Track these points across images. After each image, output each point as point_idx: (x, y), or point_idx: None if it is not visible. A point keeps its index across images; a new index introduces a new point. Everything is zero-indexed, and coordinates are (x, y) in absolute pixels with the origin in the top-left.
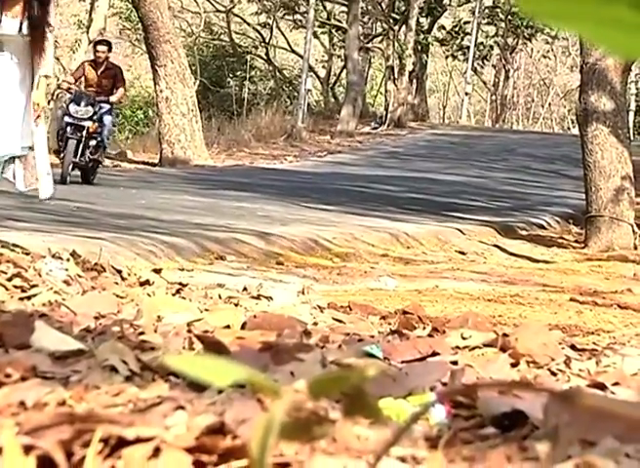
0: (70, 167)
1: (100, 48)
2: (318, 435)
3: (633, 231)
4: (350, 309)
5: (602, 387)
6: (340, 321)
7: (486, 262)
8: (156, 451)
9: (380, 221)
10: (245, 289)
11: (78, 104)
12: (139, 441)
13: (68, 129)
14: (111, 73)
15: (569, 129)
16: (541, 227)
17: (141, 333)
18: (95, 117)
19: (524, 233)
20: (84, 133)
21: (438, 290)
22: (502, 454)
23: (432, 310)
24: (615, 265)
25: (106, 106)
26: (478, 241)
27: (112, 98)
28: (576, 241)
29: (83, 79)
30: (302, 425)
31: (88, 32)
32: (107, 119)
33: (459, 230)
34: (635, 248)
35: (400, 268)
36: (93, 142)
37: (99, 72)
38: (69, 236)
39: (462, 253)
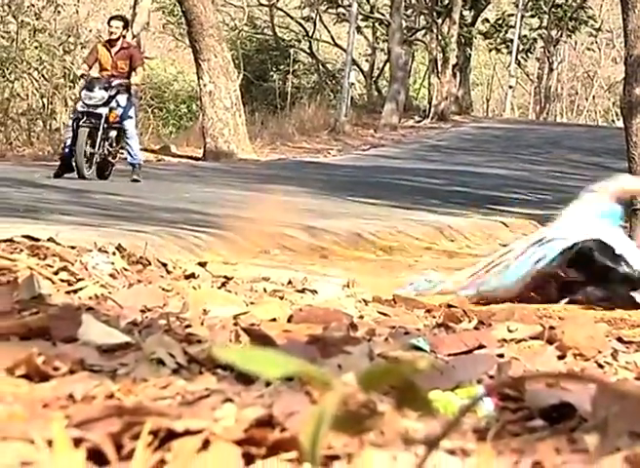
0: (83, 159)
1: (114, 23)
2: (368, 427)
3: None
4: (395, 302)
5: None
6: (385, 314)
7: None
8: (205, 444)
9: (423, 215)
10: (290, 282)
11: (91, 90)
12: (187, 433)
13: (82, 117)
14: (127, 53)
15: (613, 121)
16: None
17: (188, 326)
18: (112, 103)
19: None
20: (101, 121)
21: None
22: (551, 446)
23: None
24: None
25: (125, 93)
26: (522, 233)
27: (133, 80)
28: None
29: (98, 64)
30: (353, 418)
31: (131, 27)
32: (129, 107)
33: (502, 223)
34: None
35: (444, 261)
36: (113, 133)
37: (113, 53)
38: (115, 230)
39: (506, 246)
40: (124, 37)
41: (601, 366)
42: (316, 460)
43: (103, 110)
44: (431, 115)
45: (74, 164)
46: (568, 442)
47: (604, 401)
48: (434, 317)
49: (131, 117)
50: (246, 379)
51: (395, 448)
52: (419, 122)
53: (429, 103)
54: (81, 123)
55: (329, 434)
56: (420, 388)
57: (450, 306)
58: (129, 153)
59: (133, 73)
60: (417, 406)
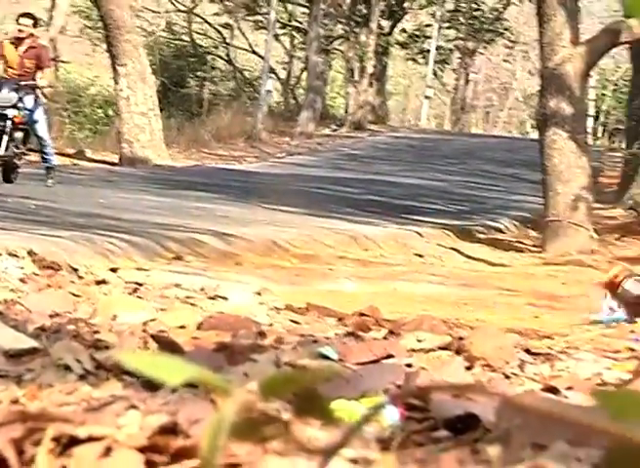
0: None
1: (23, 21)
2: (269, 435)
3: (591, 236)
4: (307, 311)
5: (555, 391)
6: (296, 322)
7: (444, 265)
8: (108, 451)
9: (338, 223)
10: (202, 289)
11: None
12: (90, 440)
13: None
14: (34, 53)
15: (528, 133)
16: (499, 231)
17: (96, 332)
18: (20, 105)
19: (482, 236)
20: (7, 122)
21: (396, 292)
22: (454, 457)
23: (390, 313)
24: (572, 270)
25: (32, 94)
26: (436, 244)
27: (40, 81)
28: (534, 245)
29: (3, 61)
30: (253, 425)
31: (48, 31)
32: (36, 108)
33: (417, 233)
34: (592, 253)
35: (358, 270)
36: (19, 134)
37: (20, 51)
38: (27, 234)
39: (421, 256)
40: (32, 36)
41: (508, 377)
42: (214, 464)
43: (11, 112)
44: (348, 124)
45: None
46: (471, 453)
47: (507, 412)
48: (346, 326)
49: (40, 119)
50: (152, 386)
51: (297, 456)
52: (335, 130)
53: (346, 112)
54: None
55: (229, 442)
56: (321, 396)
57: (362, 315)
58: (43, 157)
59: (40, 74)
60: (317, 414)
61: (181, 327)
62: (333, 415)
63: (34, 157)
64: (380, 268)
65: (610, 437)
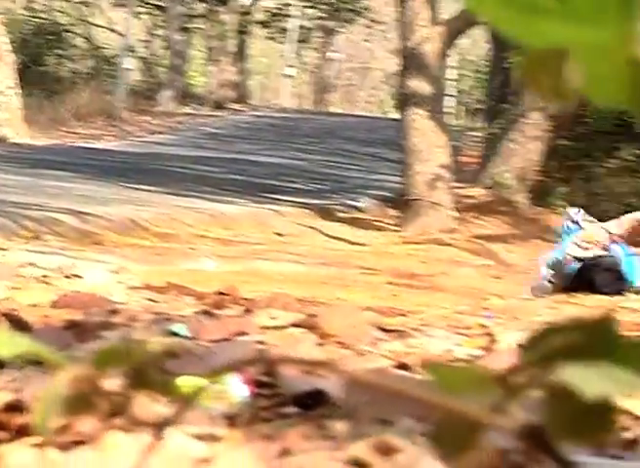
0: None
1: None
2: (108, 410)
3: (450, 215)
4: (167, 290)
5: (406, 368)
6: (154, 301)
7: (304, 244)
8: None
9: (199, 202)
10: (58, 268)
11: None
12: None
13: None
14: None
15: (389, 112)
16: (360, 210)
17: None
18: None
19: (342, 216)
20: None
21: (256, 271)
22: (300, 433)
23: (249, 292)
24: (431, 249)
25: None
26: (297, 223)
27: None
28: (394, 224)
29: None
30: (86, 399)
31: None
32: None
33: (277, 212)
34: (452, 231)
35: (219, 249)
36: None
37: None
38: None
39: (281, 235)
40: None
41: (361, 354)
42: (48, 440)
43: None
44: (209, 103)
45: None
46: (317, 428)
47: (354, 389)
48: (205, 304)
49: None
50: None
51: (141, 431)
52: (196, 109)
53: (207, 91)
54: None
55: (65, 416)
56: (155, 370)
57: (221, 293)
58: None
59: None
60: (153, 388)
61: (34, 305)
62: (167, 389)
63: None
64: (240, 247)
65: (440, 410)
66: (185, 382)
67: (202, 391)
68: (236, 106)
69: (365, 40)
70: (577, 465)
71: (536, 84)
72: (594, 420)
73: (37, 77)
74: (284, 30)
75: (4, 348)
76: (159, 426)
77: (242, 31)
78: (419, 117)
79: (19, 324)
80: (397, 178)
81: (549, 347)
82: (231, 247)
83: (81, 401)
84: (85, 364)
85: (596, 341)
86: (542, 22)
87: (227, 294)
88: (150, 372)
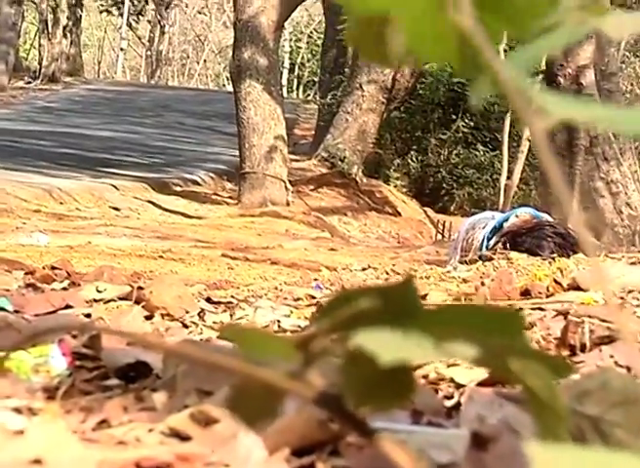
0: None
1: None
2: None
3: (286, 188)
4: None
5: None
6: None
7: (140, 218)
8: None
9: (32, 177)
10: None
11: None
12: None
13: None
14: None
15: (224, 86)
16: (196, 183)
17: None
18: None
19: (178, 189)
20: None
21: (91, 246)
22: (119, 404)
23: (85, 266)
24: (268, 221)
25: None
26: (132, 197)
27: None
28: (230, 197)
29: None
30: None
31: None
32: None
33: (113, 186)
34: (288, 204)
35: (53, 224)
36: None
37: None
38: None
39: (117, 209)
40: None
41: (187, 326)
42: None
43: None
44: (41, 77)
45: None
46: (136, 400)
47: (173, 360)
48: (35, 279)
49: None
50: None
51: None
52: (28, 83)
53: (40, 65)
54: None
55: None
56: None
57: (54, 268)
58: None
59: None
60: None
61: None
62: None
63: None
64: (75, 222)
65: (240, 377)
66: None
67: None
68: (69, 80)
69: (200, 12)
70: (376, 432)
71: (364, 50)
72: (392, 386)
73: None
74: (118, 3)
75: None
76: None
77: (75, 4)
78: (253, 90)
79: None
80: (233, 151)
81: (347, 313)
82: (66, 221)
83: None
84: None
85: (396, 307)
86: None
87: (59, 269)
88: None
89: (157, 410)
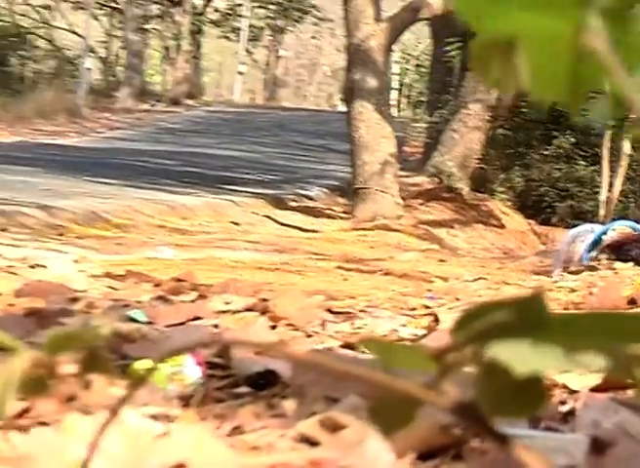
0: None
1: None
2: (63, 392)
3: (396, 202)
4: (126, 277)
5: (353, 347)
6: (114, 288)
7: (258, 233)
8: None
9: (157, 194)
10: (23, 258)
11: None
12: None
13: None
14: None
15: (336, 106)
16: (311, 199)
17: None
18: None
19: (294, 204)
20: None
21: (213, 259)
22: (251, 411)
23: (207, 278)
24: (379, 234)
25: None
26: (251, 212)
27: None
28: (343, 212)
29: None
30: (40, 381)
31: None
32: None
33: (233, 202)
34: (398, 218)
35: (177, 239)
36: None
37: None
38: None
39: (236, 224)
40: None
41: (310, 335)
42: (7, 422)
43: None
44: (165, 99)
45: None
46: (267, 407)
47: (302, 368)
48: (163, 291)
49: None
50: None
51: (100, 413)
52: (153, 106)
53: (163, 88)
54: None
55: (25, 398)
56: (104, 353)
57: (179, 280)
58: None
59: None
60: (101, 371)
61: None
62: (113, 372)
63: None
64: (198, 236)
65: (378, 387)
66: (144, 366)
67: (154, 372)
68: (191, 102)
69: (313, 37)
70: (509, 438)
71: (484, 72)
72: (525, 395)
73: (2, 78)
74: (236, 29)
75: None
76: (115, 406)
77: (196, 31)
78: (365, 109)
79: None
80: (346, 168)
81: (482, 325)
82: (189, 236)
83: (37, 384)
84: (40, 348)
85: (527, 319)
86: (501, 10)
87: (184, 281)
88: (103, 356)
89: (287, 417)
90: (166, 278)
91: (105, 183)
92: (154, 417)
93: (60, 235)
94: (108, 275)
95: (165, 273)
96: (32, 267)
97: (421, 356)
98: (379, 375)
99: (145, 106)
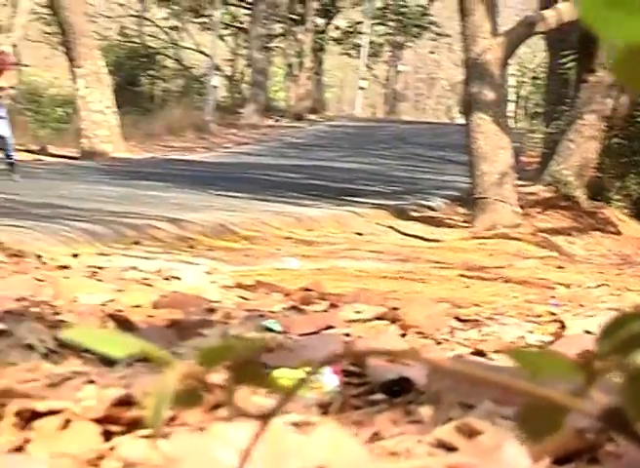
0: None
1: None
2: (213, 403)
3: (515, 211)
4: (256, 288)
5: (482, 354)
6: (245, 299)
7: (381, 242)
8: (67, 423)
9: (283, 206)
10: (158, 271)
11: None
12: (50, 413)
13: None
14: None
15: (454, 118)
16: (431, 209)
17: (58, 314)
18: None
19: (416, 215)
20: None
21: (338, 268)
22: (388, 418)
23: (333, 288)
24: (498, 243)
25: None
26: (374, 223)
27: (0, 83)
28: (463, 221)
29: None
30: (194, 393)
31: (10, 37)
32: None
33: (356, 213)
34: (517, 226)
35: (303, 249)
36: None
37: None
38: None
39: (360, 235)
40: None
41: (439, 342)
42: (158, 432)
43: None
44: (289, 115)
45: None
46: (404, 413)
47: (437, 375)
48: (292, 301)
49: (2, 118)
50: (110, 362)
51: (243, 422)
52: (277, 121)
53: (287, 104)
54: None
55: (175, 409)
56: (258, 364)
57: (307, 290)
58: (6, 154)
59: (1, 77)
60: (254, 381)
61: (137, 306)
62: (268, 382)
63: None
64: (322, 247)
65: (525, 394)
66: (283, 374)
67: (303, 383)
68: (314, 117)
69: (431, 52)
70: None
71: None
72: None
73: (132, 97)
74: (356, 46)
75: (118, 349)
76: (265, 416)
77: (317, 48)
78: (483, 121)
79: (124, 324)
80: (465, 179)
81: (627, 334)
82: (314, 247)
83: (190, 396)
84: (191, 360)
85: None
86: (627, 17)
87: (312, 291)
88: (252, 367)
89: (424, 423)
90: (294, 288)
91: (233, 197)
92: (295, 425)
93: (191, 247)
94: (239, 286)
95: (293, 283)
96: (166, 279)
97: (567, 364)
98: (522, 383)
99: (270, 122)
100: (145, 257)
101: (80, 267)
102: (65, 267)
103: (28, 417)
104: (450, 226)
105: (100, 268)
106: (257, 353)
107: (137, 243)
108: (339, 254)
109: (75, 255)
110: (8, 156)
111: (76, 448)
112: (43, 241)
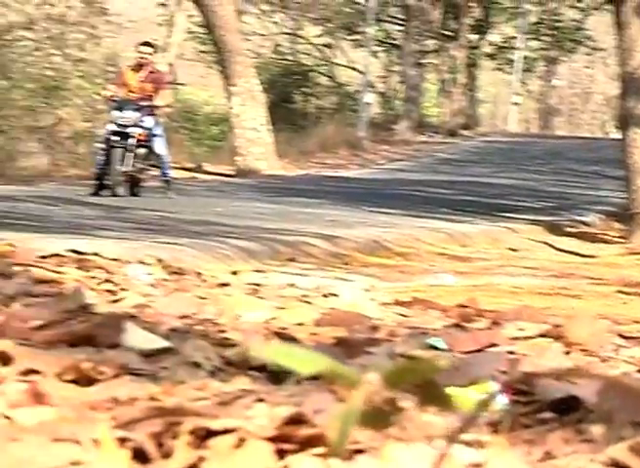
0: (119, 177)
1: (143, 49)
2: (391, 422)
3: None
4: (413, 304)
5: None
6: (404, 316)
7: (536, 258)
8: (241, 441)
9: (436, 222)
10: (317, 287)
11: (121, 111)
12: (224, 432)
13: (113, 137)
14: (153, 77)
15: (609, 133)
16: (586, 224)
17: (222, 331)
18: (142, 124)
19: (570, 230)
20: (131, 140)
21: (492, 284)
22: (560, 437)
23: (488, 304)
24: None
25: (151, 113)
26: (528, 238)
27: (158, 102)
28: (619, 236)
29: (124, 86)
30: (378, 413)
31: (166, 57)
32: (155, 126)
33: (510, 229)
34: None
35: (457, 265)
36: (141, 151)
37: (140, 76)
38: (152, 243)
39: (514, 251)
40: (151, 62)
41: (604, 360)
42: (342, 454)
43: (134, 130)
44: (442, 131)
45: (108, 182)
46: (575, 432)
47: (608, 393)
48: (449, 317)
49: (159, 136)
50: (277, 380)
51: (417, 441)
52: (431, 137)
53: (440, 120)
54: (113, 143)
55: (354, 429)
56: (441, 385)
57: (463, 306)
58: (162, 172)
59: (158, 96)
60: (438, 402)
61: (300, 324)
62: (451, 403)
63: (155, 172)
64: (476, 263)
65: None
66: (454, 393)
67: (485, 405)
68: (467, 133)
69: (586, 67)
70: None
71: None
72: None
73: (286, 114)
74: (510, 61)
75: (303, 365)
76: (450, 437)
77: (471, 64)
78: (639, 136)
79: (290, 342)
80: (620, 194)
81: None
82: (468, 263)
83: (378, 418)
84: (376, 381)
85: None
86: None
87: (469, 307)
88: (435, 388)
89: (596, 442)
90: (450, 305)
91: (386, 213)
92: (467, 444)
93: (346, 264)
94: (397, 302)
95: (449, 300)
96: (325, 296)
97: None
98: None
99: (423, 138)
100: (300, 274)
101: (240, 284)
102: (225, 284)
103: (203, 436)
104: (605, 242)
105: (258, 285)
106: (438, 374)
107: (291, 260)
108: (493, 271)
109: (234, 273)
110: (164, 174)
111: (251, 466)
112: (199, 258)
